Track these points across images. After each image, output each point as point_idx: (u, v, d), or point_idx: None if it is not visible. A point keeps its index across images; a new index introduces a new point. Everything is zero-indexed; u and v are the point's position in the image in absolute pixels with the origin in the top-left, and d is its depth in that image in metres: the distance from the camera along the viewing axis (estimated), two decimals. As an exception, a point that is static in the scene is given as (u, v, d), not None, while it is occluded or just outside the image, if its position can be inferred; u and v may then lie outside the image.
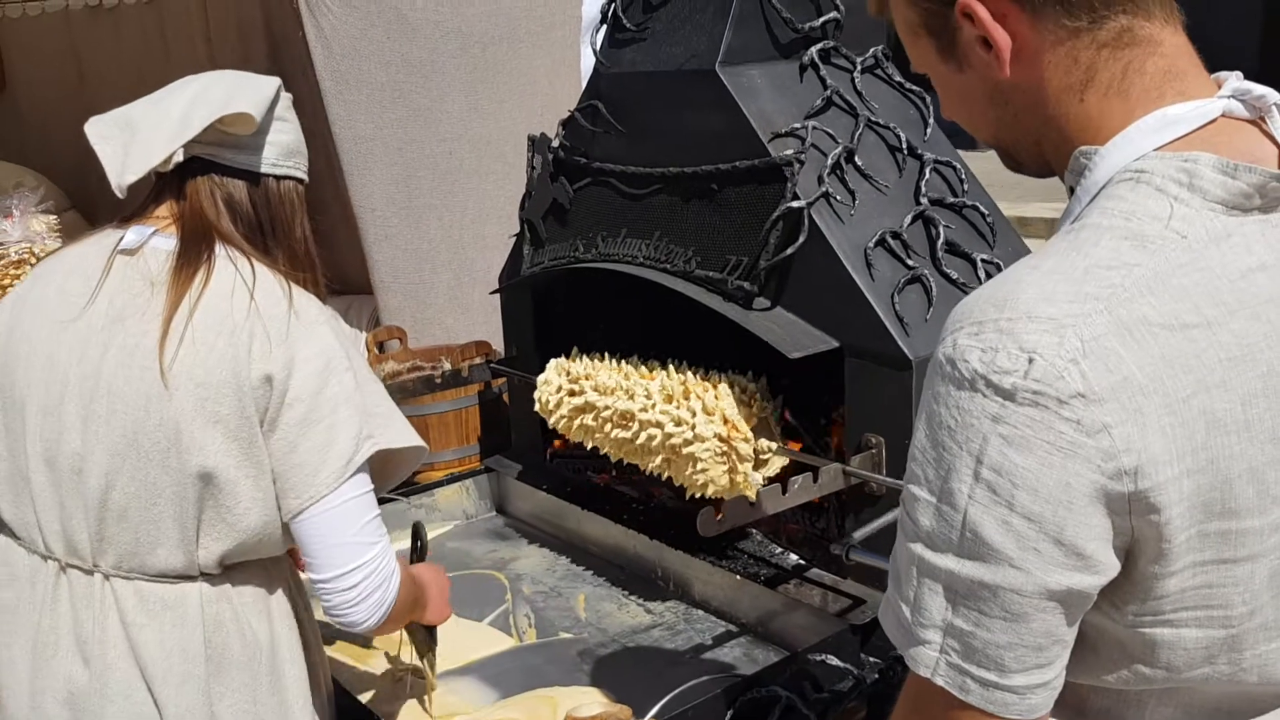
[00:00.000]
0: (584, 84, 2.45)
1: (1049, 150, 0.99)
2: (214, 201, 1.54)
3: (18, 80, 6.09)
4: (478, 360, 2.72)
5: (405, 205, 4.29)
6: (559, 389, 2.18)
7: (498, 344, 3.25)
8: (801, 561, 2.17)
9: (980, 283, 2.00)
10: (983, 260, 2.01)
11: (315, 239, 1.64)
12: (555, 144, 2.46)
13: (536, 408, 2.27)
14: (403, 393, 2.55)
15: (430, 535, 2.57)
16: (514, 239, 2.62)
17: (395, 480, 1.62)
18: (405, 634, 1.92)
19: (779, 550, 2.22)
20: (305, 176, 1.63)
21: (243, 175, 1.55)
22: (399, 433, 1.53)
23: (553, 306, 2.64)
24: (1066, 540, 0.84)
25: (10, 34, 6.11)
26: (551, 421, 2.25)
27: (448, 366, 2.73)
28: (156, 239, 1.53)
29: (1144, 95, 0.92)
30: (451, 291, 4.38)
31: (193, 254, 1.50)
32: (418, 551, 1.97)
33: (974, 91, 1.00)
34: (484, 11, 4.42)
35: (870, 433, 1.93)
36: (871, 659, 1.90)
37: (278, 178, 1.58)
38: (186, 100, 1.52)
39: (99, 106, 1.65)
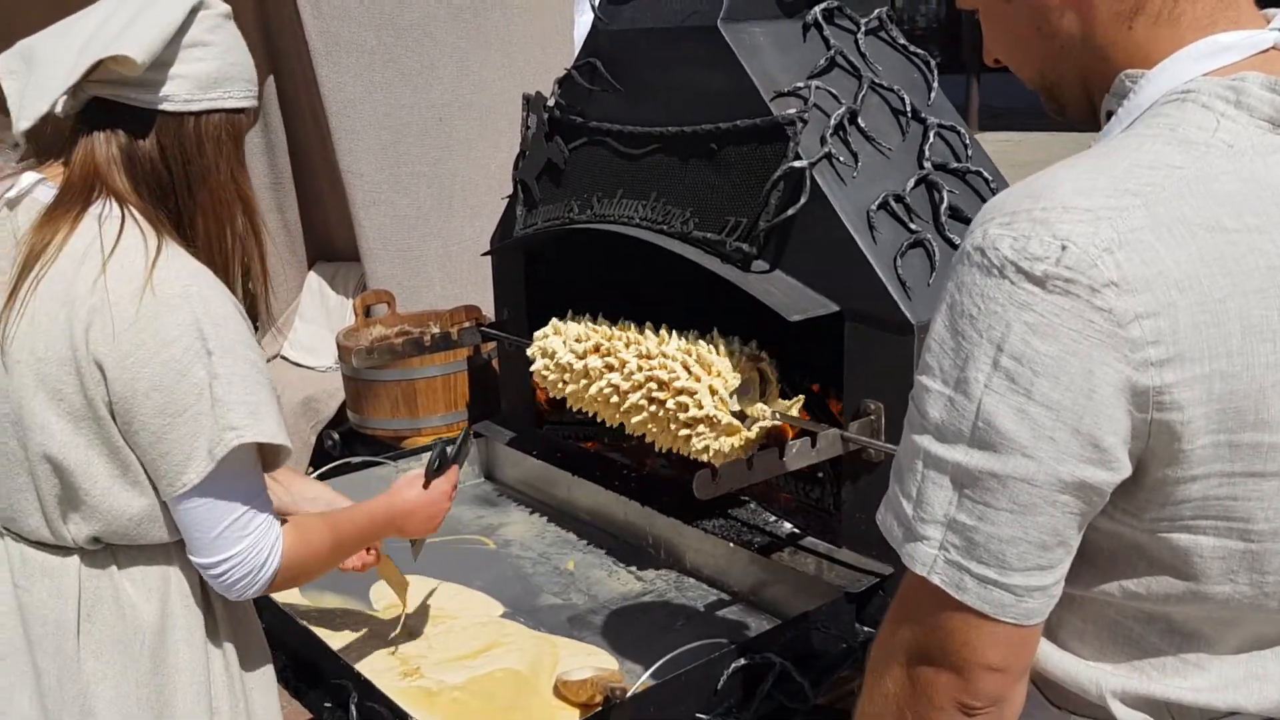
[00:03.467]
0: (576, 53, 2.39)
1: (1095, 83, 0.97)
2: (108, 149, 1.39)
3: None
4: (467, 325, 2.67)
5: (394, 171, 4.24)
6: (553, 350, 2.14)
7: (488, 311, 3.21)
8: (795, 530, 2.14)
9: (983, 249, 1.97)
10: (986, 226, 1.98)
11: (245, 178, 1.49)
12: (551, 103, 2.41)
13: (534, 365, 2.22)
14: (391, 355, 2.50)
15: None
16: (506, 200, 2.57)
17: (270, 469, 1.49)
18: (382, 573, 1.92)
19: (773, 518, 2.19)
20: (241, 102, 1.44)
21: (146, 116, 1.39)
22: (267, 428, 1.39)
23: (545, 270, 2.59)
24: (1084, 430, 0.82)
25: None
26: (543, 383, 2.21)
27: (436, 331, 2.68)
28: (40, 188, 1.41)
29: (1194, 24, 0.91)
30: (440, 259, 4.34)
31: (60, 209, 1.37)
32: (435, 470, 1.87)
33: (1021, 22, 0.98)
34: (476, -24, 4.36)
35: (869, 398, 1.90)
36: (866, 628, 1.88)
37: (196, 114, 1.40)
38: (88, 33, 1.37)
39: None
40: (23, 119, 1.36)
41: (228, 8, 1.47)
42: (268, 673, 1.60)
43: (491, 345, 2.79)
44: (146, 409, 1.34)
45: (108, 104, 1.39)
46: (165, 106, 1.39)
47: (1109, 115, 0.95)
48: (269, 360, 4.60)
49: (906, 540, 0.91)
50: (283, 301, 4.72)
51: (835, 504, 2.08)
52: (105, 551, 1.43)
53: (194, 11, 1.39)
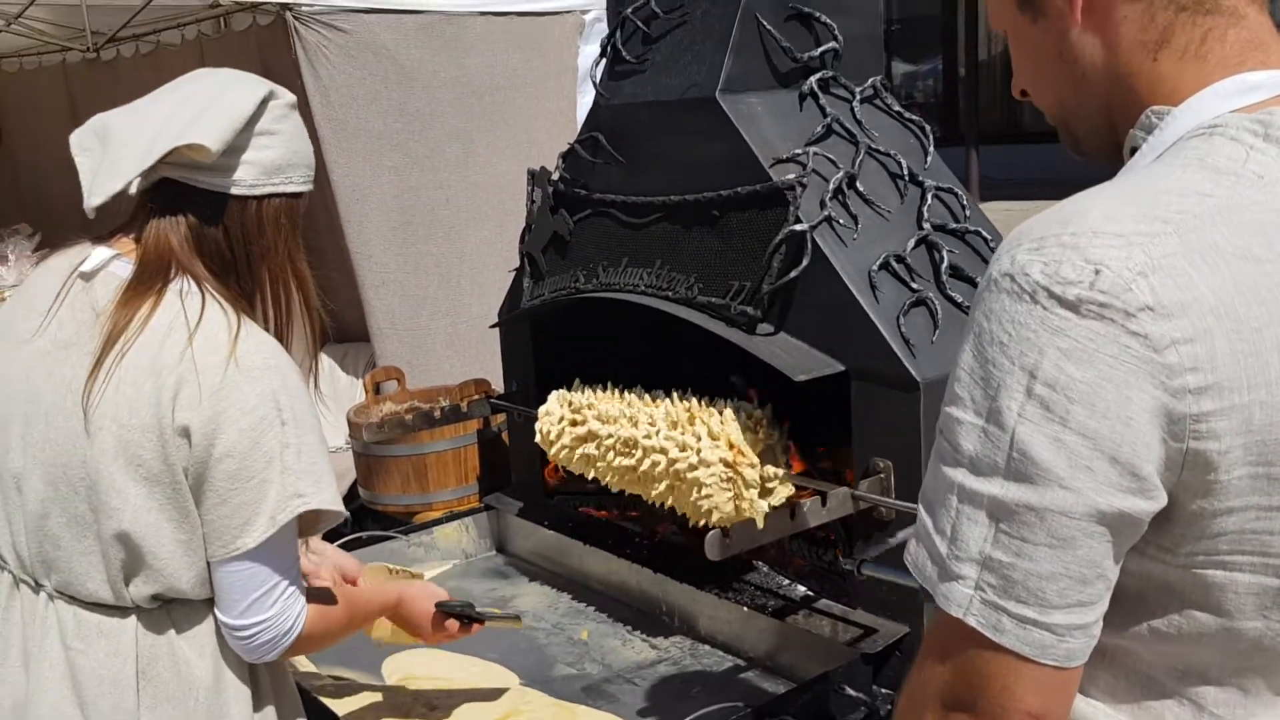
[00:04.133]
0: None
1: (1116, 113, 0.96)
2: (179, 230, 1.46)
3: (15, 133, 6.13)
4: (477, 398, 2.69)
5: (402, 252, 4.30)
6: (560, 419, 2.16)
7: (498, 385, 3.23)
8: (810, 593, 2.13)
9: (985, 306, 1.99)
10: (987, 284, 2.00)
11: (301, 258, 1.56)
12: (555, 177, 2.46)
13: (538, 438, 2.24)
14: (401, 428, 2.52)
15: (429, 574, 2.54)
16: (514, 273, 2.61)
17: (309, 535, 1.56)
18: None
19: (786, 582, 2.18)
20: (300, 187, 1.52)
21: (215, 199, 1.46)
22: (328, 496, 1.46)
23: (553, 340, 2.62)
24: (1123, 459, 0.80)
25: (7, 88, 6.16)
26: (553, 453, 2.22)
27: (446, 405, 2.70)
28: (115, 264, 1.48)
29: (1222, 62, 0.90)
30: (449, 337, 4.37)
31: (142, 286, 1.44)
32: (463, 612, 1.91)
33: (1045, 46, 0.98)
34: (481, 62, 4.47)
35: (878, 456, 1.91)
36: (884, 689, 1.86)
37: (258, 199, 1.48)
38: (162, 118, 1.44)
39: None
40: (95, 195, 1.43)
41: (294, 98, 1.53)
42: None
43: (501, 418, 2.81)
44: (218, 473, 1.39)
45: (178, 185, 1.45)
46: (234, 191, 1.46)
47: (1132, 151, 0.94)
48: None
49: (941, 580, 0.87)
50: (293, 384, 4.75)
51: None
52: (161, 610, 1.46)
53: (264, 103, 1.47)
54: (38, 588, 1.47)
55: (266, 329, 1.51)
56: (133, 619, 1.46)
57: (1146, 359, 0.78)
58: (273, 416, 1.40)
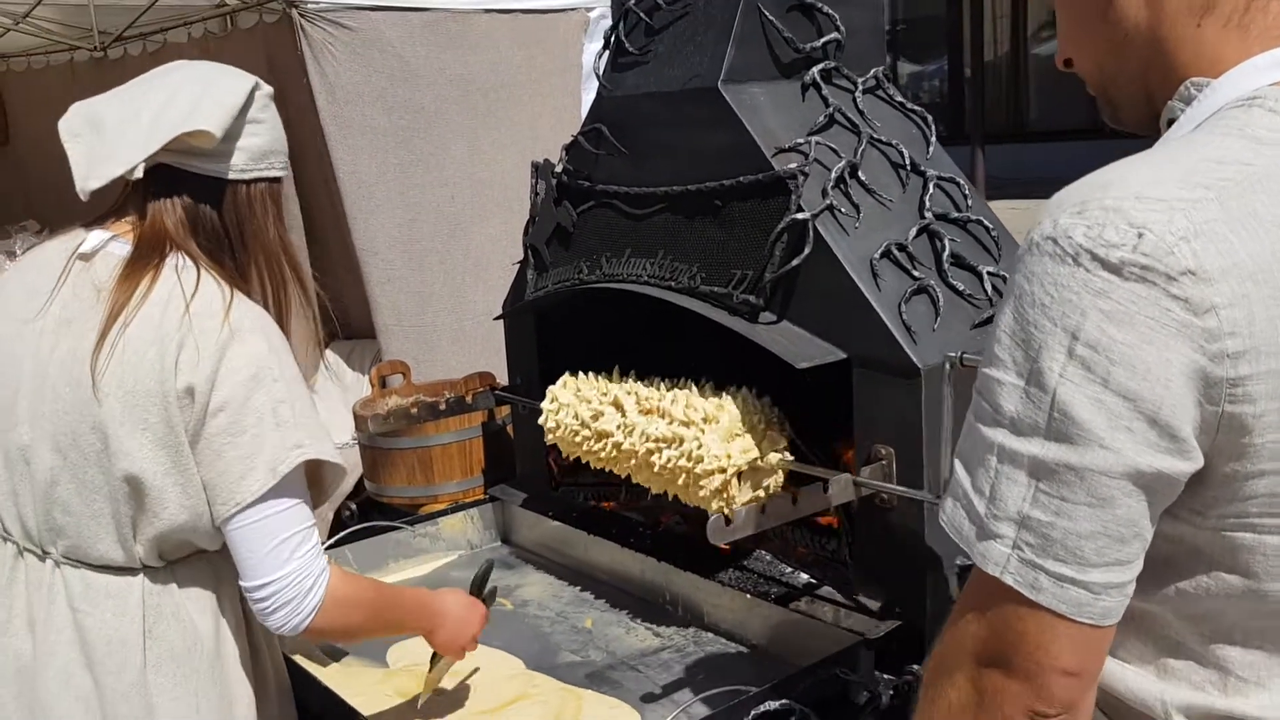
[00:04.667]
0: (583, 126, 2.47)
1: (1154, 81, 0.97)
2: (175, 212, 1.57)
3: (22, 131, 6.17)
4: (481, 390, 2.70)
5: (408, 248, 4.32)
6: (565, 405, 2.17)
7: (502, 381, 3.25)
8: (812, 581, 2.14)
9: (987, 295, 2.00)
10: (989, 273, 2.01)
11: (287, 240, 1.68)
12: (559, 169, 2.47)
13: (543, 419, 2.24)
14: (406, 419, 2.53)
15: (434, 565, 2.55)
16: (518, 265, 2.62)
17: (319, 501, 1.62)
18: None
19: (789, 570, 2.19)
20: (280, 172, 1.65)
21: (210, 183, 1.57)
22: (327, 448, 1.53)
23: (556, 332, 2.63)
24: (1161, 420, 0.81)
25: (15, 87, 6.19)
26: (555, 438, 2.23)
27: (451, 396, 2.71)
28: (113, 244, 1.57)
29: (1263, 34, 0.91)
30: (454, 333, 4.39)
31: (140, 264, 1.53)
32: (480, 592, 1.98)
33: (1091, 8, 0.99)
34: (486, 59, 4.49)
35: (879, 444, 1.92)
36: (886, 675, 1.87)
37: (248, 182, 1.60)
38: (157, 106, 1.53)
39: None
40: (93, 179, 1.51)
41: (272, 89, 1.66)
42: (287, 695, 1.75)
43: (506, 410, 2.82)
44: (213, 428, 1.48)
45: (174, 170, 1.56)
46: (229, 175, 1.59)
47: (1170, 123, 0.95)
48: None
49: (979, 539, 0.88)
50: (299, 380, 4.77)
51: (850, 553, 2.08)
52: (166, 570, 1.56)
53: (253, 92, 1.59)
54: (44, 556, 1.55)
55: (265, 306, 1.60)
56: (139, 579, 1.54)
57: (1186, 323, 0.80)
58: (264, 374, 1.49)
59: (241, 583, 1.51)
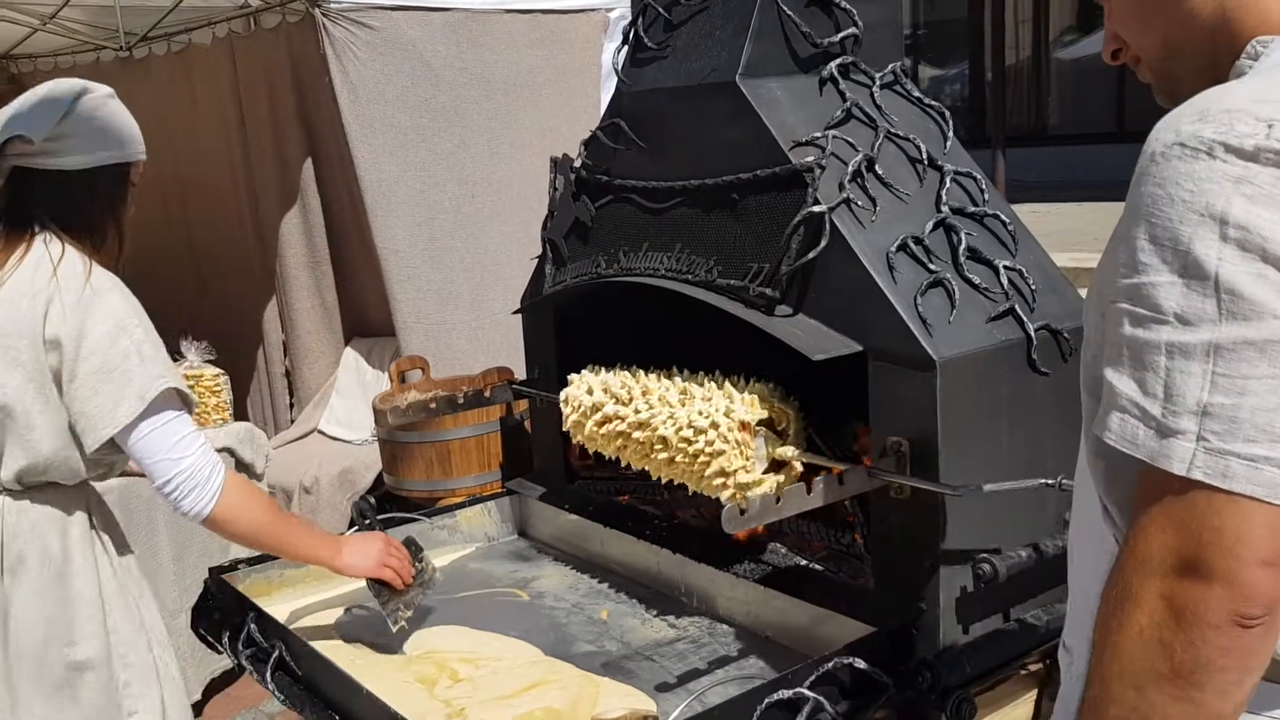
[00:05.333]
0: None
1: (1221, 49, 1.01)
2: (30, 198, 1.94)
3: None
4: (499, 384, 2.72)
5: (428, 246, 4.35)
6: (583, 396, 2.18)
7: (520, 376, 3.27)
8: (827, 572, 2.14)
9: (1004, 288, 2.00)
10: (1005, 267, 2.01)
11: (124, 218, 2.01)
12: (577, 164, 2.49)
13: (563, 408, 2.25)
14: (425, 412, 2.55)
15: (452, 557, 2.57)
16: (536, 261, 2.64)
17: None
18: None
19: (804, 562, 2.20)
20: (124, 158, 1.97)
21: (53, 175, 1.92)
22: (180, 381, 1.93)
23: (574, 327, 2.65)
24: None
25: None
26: (574, 429, 2.25)
27: (469, 390, 2.73)
28: None
29: None
30: (472, 330, 4.42)
31: (13, 237, 1.94)
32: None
33: None
34: (507, 59, 4.52)
35: (895, 436, 1.92)
36: (900, 667, 1.87)
37: (88, 170, 1.93)
38: (4, 119, 1.92)
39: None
40: None
41: (110, 90, 1.99)
42: (147, 593, 2.14)
43: (524, 405, 2.84)
44: (85, 369, 1.85)
45: (26, 170, 1.94)
46: (69, 168, 1.93)
47: (1237, 76, 0.99)
48: (306, 435, 4.68)
49: (1160, 437, 0.86)
50: (319, 377, 4.81)
51: (865, 545, 2.09)
52: (24, 493, 1.93)
53: (78, 98, 1.92)
54: None
55: (115, 270, 1.96)
56: (2, 498, 1.91)
57: None
58: (125, 323, 1.88)
59: (155, 487, 1.88)
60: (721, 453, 1.93)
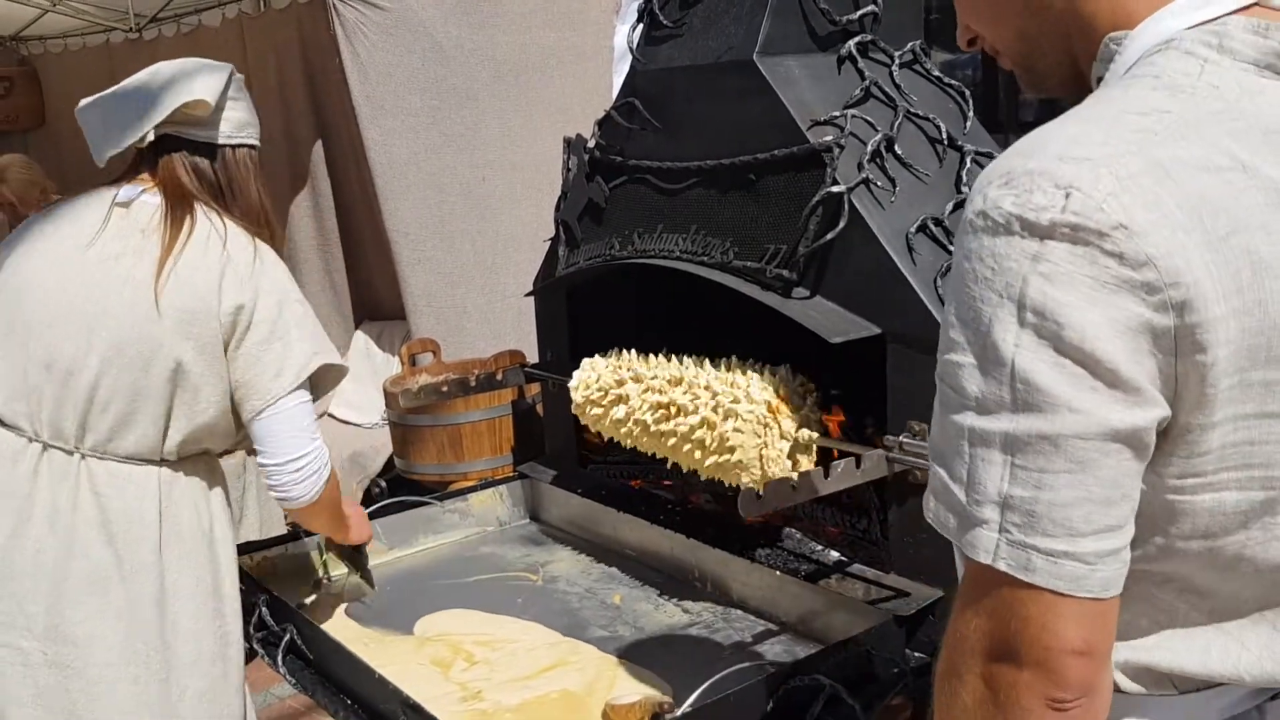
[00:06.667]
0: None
1: (1077, 41, 0.96)
2: (185, 169, 1.93)
3: (59, 112, 6.22)
4: (511, 367, 2.70)
5: (439, 229, 4.32)
6: (596, 379, 2.16)
7: (532, 360, 3.25)
8: (842, 558, 2.12)
9: (1023, 271, 1.97)
10: (1026, 249, 1.98)
11: (269, 198, 2.04)
12: (591, 144, 2.46)
13: (573, 386, 2.23)
14: (436, 395, 2.53)
15: (463, 538, 2.56)
16: (548, 243, 2.61)
17: (327, 390, 2.03)
18: (332, 557, 2.34)
19: (819, 548, 2.17)
20: (256, 142, 2.01)
21: (204, 147, 1.94)
22: (335, 355, 1.97)
23: (587, 309, 2.62)
24: (1122, 376, 0.80)
25: (53, 69, 6.24)
26: (585, 414, 2.22)
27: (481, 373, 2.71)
28: (145, 195, 1.92)
29: None
30: (484, 314, 4.39)
31: (178, 211, 1.89)
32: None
33: None
34: (518, 41, 4.48)
35: (913, 419, 1.89)
36: (917, 654, 1.85)
37: (233, 147, 1.96)
38: (156, 87, 1.90)
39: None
40: (108, 147, 1.91)
41: (243, 76, 2.03)
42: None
43: (536, 389, 2.82)
44: (253, 337, 1.86)
45: (176, 139, 1.93)
46: (220, 140, 1.96)
47: (1099, 81, 0.94)
48: (317, 418, 4.66)
49: (964, 529, 0.85)
50: (330, 360, 4.80)
51: (882, 530, 2.06)
52: (178, 464, 1.92)
53: (231, 75, 1.97)
54: (72, 451, 1.84)
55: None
56: (157, 469, 1.88)
57: (1125, 277, 0.79)
58: (289, 296, 1.91)
59: (271, 461, 1.87)
60: (738, 439, 1.90)
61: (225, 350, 1.85)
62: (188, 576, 1.89)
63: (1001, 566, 0.83)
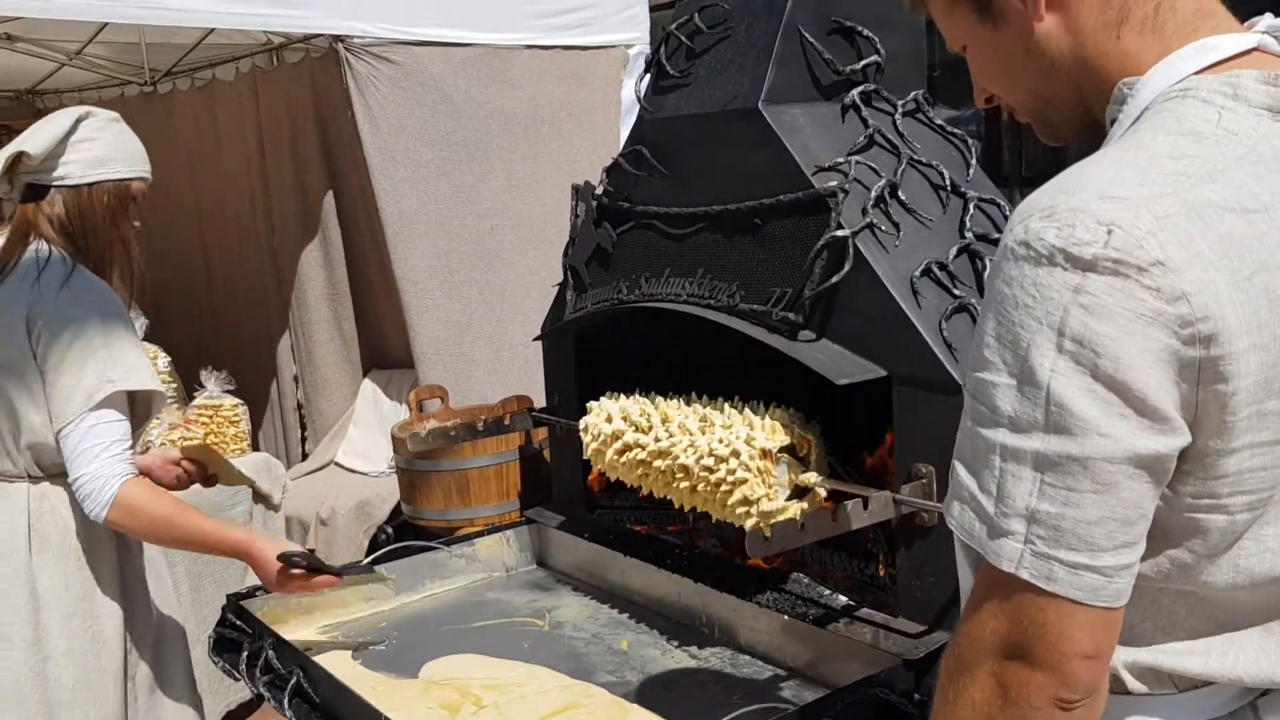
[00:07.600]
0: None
1: (1089, 94, 1.03)
2: (36, 210, 2.17)
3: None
4: (518, 412, 2.71)
5: (447, 279, 4.36)
6: (605, 421, 2.17)
7: (539, 405, 3.26)
8: (850, 603, 2.11)
9: (1028, 314, 1.99)
10: (1030, 292, 2.00)
11: (132, 232, 2.23)
12: (599, 190, 2.49)
13: (581, 430, 2.23)
14: (444, 439, 2.54)
15: (470, 584, 2.55)
16: (555, 290, 2.64)
17: (148, 420, 2.24)
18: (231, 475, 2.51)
19: (827, 592, 2.17)
20: (126, 175, 2.19)
21: (59, 190, 2.17)
22: (141, 378, 2.11)
23: (595, 354, 2.64)
24: (1150, 404, 0.85)
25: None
26: (592, 451, 2.22)
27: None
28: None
29: (1179, 31, 0.97)
30: (491, 363, 4.42)
31: (10, 246, 2.19)
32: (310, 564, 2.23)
33: (1011, 46, 1.05)
34: (527, 94, 4.55)
35: (919, 462, 1.90)
36: (926, 698, 1.84)
37: (89, 185, 2.17)
38: (13, 146, 2.16)
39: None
40: None
41: (114, 114, 2.24)
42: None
43: (543, 434, 2.82)
44: (49, 364, 2.06)
45: (33, 185, 2.18)
46: (71, 182, 2.17)
47: (1112, 122, 1.00)
48: (322, 467, 4.67)
49: (991, 538, 0.91)
50: (338, 409, 4.81)
51: (890, 574, 2.06)
52: (45, 480, 2.15)
53: (79, 121, 2.16)
54: None
55: (106, 275, 2.18)
56: (24, 484, 2.15)
57: (1160, 311, 0.85)
58: (91, 324, 2.06)
59: (70, 478, 2.05)
60: (744, 480, 1.90)
61: (43, 376, 2.08)
62: (57, 582, 2.13)
63: (1025, 575, 0.89)
